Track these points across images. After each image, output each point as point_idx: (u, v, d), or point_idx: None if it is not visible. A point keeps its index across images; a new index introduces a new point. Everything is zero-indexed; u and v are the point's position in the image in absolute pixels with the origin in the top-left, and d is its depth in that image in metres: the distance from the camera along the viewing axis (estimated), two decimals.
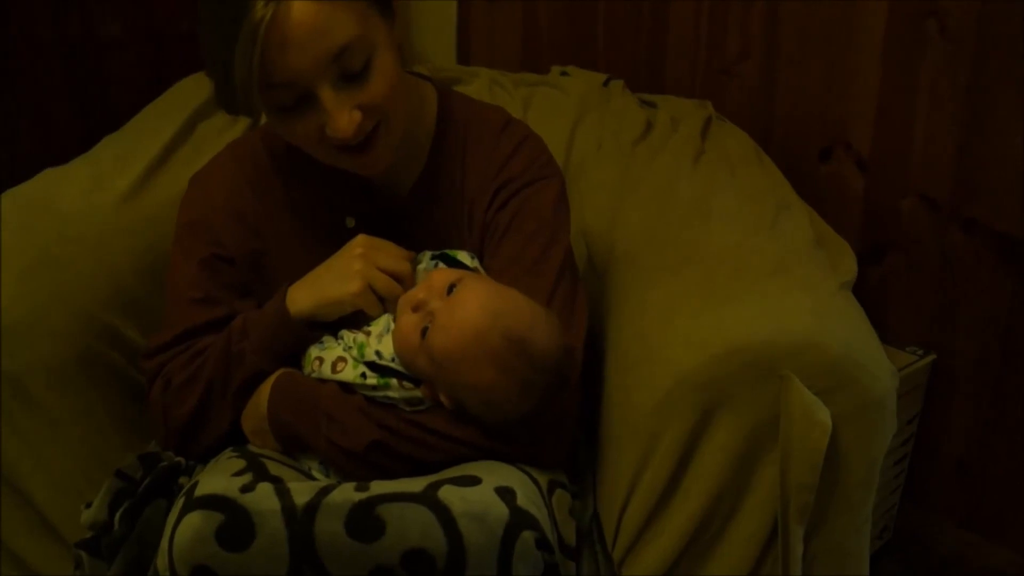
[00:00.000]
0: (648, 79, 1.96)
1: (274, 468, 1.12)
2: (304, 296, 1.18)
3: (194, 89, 1.78)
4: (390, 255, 1.17)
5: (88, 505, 1.20)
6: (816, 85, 1.73)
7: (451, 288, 1.11)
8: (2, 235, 1.30)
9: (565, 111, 1.78)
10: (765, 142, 1.70)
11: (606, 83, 1.85)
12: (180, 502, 1.03)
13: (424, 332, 1.10)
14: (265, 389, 1.18)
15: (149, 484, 1.18)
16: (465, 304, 1.09)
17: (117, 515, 1.17)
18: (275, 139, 1.27)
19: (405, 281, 1.17)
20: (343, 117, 1.09)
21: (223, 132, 1.68)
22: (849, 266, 1.31)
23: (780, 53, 1.76)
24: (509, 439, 1.12)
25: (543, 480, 1.11)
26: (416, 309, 1.12)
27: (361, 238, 1.18)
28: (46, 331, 1.23)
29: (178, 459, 1.22)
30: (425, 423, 1.12)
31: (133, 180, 1.48)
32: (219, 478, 1.06)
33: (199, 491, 1.03)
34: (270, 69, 1.04)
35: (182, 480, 1.21)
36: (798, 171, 1.63)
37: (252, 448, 1.19)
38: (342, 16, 1.06)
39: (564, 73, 1.89)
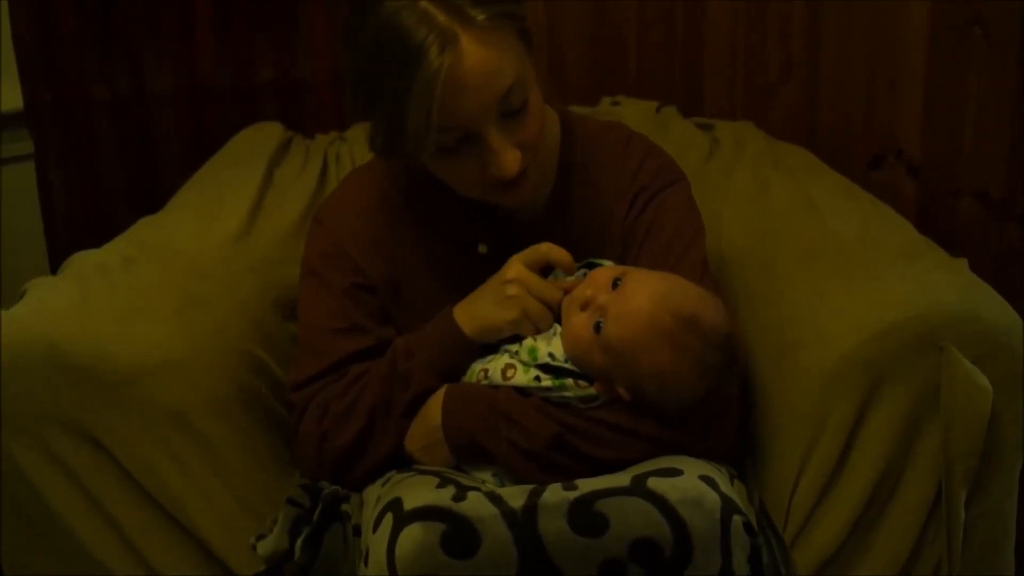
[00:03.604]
0: (685, 106, 2.03)
1: (463, 480, 1.14)
2: (466, 319, 1.21)
3: (257, 138, 1.82)
4: (541, 282, 1.19)
5: (259, 537, 1.20)
6: (861, 96, 1.82)
7: (615, 283, 1.16)
8: (143, 277, 1.30)
9: None
10: None
11: (658, 110, 1.92)
12: (387, 519, 1.05)
13: (597, 327, 1.13)
14: (433, 404, 1.20)
15: (323, 511, 1.19)
16: (635, 292, 1.13)
17: (298, 543, 1.17)
18: (399, 167, 1.30)
19: (555, 303, 1.20)
20: (508, 156, 1.13)
21: (298, 176, 1.71)
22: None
23: (822, 68, 1.86)
24: (684, 429, 1.15)
25: (724, 471, 1.15)
26: (584, 307, 1.16)
27: (514, 261, 1.21)
28: (206, 366, 1.24)
29: (334, 487, 1.22)
30: (603, 418, 1.15)
31: (239, 223, 1.50)
32: (423, 491, 1.08)
33: (409, 505, 1.05)
34: (442, 114, 1.08)
35: (344, 507, 1.21)
36: None
37: (419, 468, 1.20)
38: (507, 57, 1.11)
39: (615, 103, 1.96)
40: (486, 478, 1.19)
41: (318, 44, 2.05)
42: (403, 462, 1.22)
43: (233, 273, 1.39)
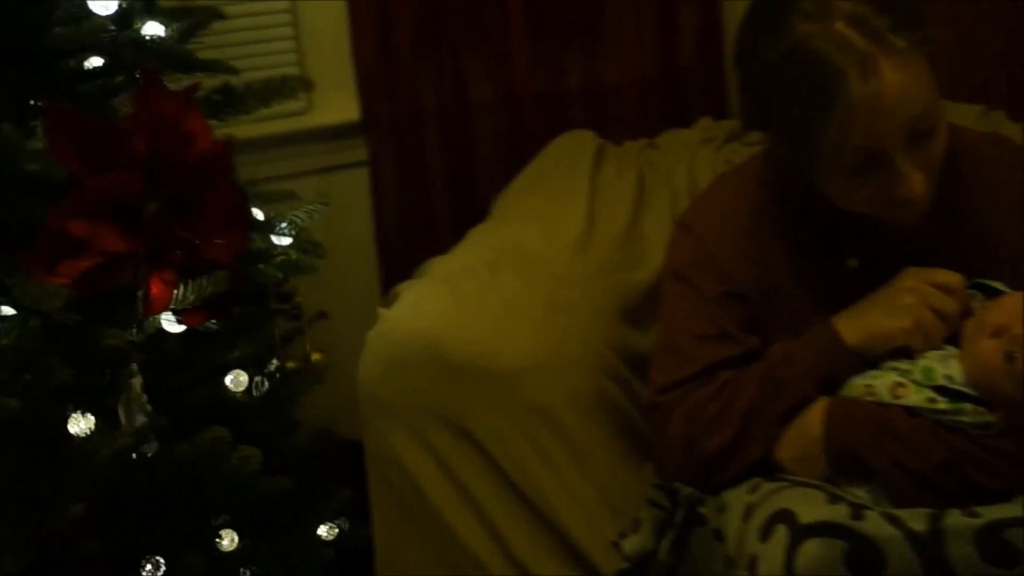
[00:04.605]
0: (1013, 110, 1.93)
1: (850, 496, 1.13)
2: (852, 328, 1.19)
3: (573, 146, 1.87)
4: (938, 293, 1.17)
5: (622, 535, 1.25)
6: None
7: None
8: (508, 282, 1.38)
9: None
10: None
11: (985, 114, 1.84)
12: (780, 530, 1.06)
13: (1010, 357, 1.10)
14: (812, 415, 1.19)
15: (686, 514, 1.22)
16: None
17: (664, 544, 1.20)
18: (771, 177, 1.30)
19: (950, 319, 1.17)
20: (914, 180, 1.11)
21: (616, 184, 1.75)
22: None
23: None
24: None
25: None
26: (997, 334, 1.13)
27: (911, 272, 1.19)
28: (572, 368, 1.31)
29: (691, 490, 1.25)
30: (1001, 448, 1.11)
31: (579, 230, 1.55)
32: (816, 506, 1.08)
33: (806, 519, 1.06)
34: (856, 137, 1.08)
35: (701, 510, 1.23)
36: None
37: (789, 477, 1.21)
38: (922, 82, 1.09)
39: None
40: (860, 494, 1.17)
41: (623, 51, 2.10)
42: (765, 469, 1.23)
43: (584, 278, 1.45)
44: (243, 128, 1.86)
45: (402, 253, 2.01)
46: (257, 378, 1.30)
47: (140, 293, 1.01)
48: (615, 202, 1.68)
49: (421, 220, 2.03)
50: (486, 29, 2.00)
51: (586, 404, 1.31)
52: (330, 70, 1.97)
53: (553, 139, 1.92)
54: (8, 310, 1.00)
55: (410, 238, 2.02)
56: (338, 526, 1.41)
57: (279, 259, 1.23)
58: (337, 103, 1.99)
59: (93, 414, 1.08)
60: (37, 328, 0.94)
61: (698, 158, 1.80)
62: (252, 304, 1.24)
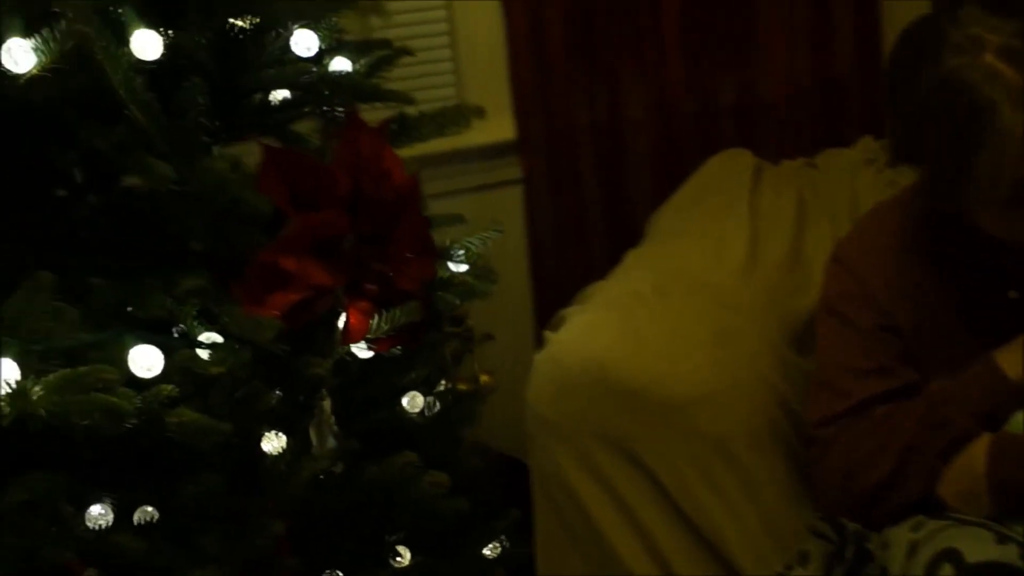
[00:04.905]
0: None
1: (1018, 536, 1.11)
2: (1014, 361, 1.18)
3: (730, 166, 1.87)
4: None
5: (788, 566, 1.24)
6: None
7: None
8: (677, 307, 1.39)
9: None
10: None
11: None
12: (946, 568, 1.05)
13: None
14: (976, 452, 1.18)
15: (856, 550, 1.21)
16: None
17: None
18: (924, 209, 1.28)
19: None
20: None
21: (777, 205, 1.74)
22: None
23: None
24: None
25: None
26: None
27: None
28: (743, 397, 1.31)
29: (856, 525, 1.24)
30: None
31: (743, 254, 1.56)
32: (983, 545, 1.07)
33: (973, 558, 1.04)
34: (1010, 168, 1.06)
35: (868, 546, 1.23)
36: None
37: (956, 515, 1.19)
38: None
39: None
40: None
41: (777, 64, 2.08)
42: (928, 506, 1.21)
43: (751, 304, 1.45)
44: (400, 148, 1.93)
45: (556, 269, 2.05)
46: (429, 399, 1.34)
47: (341, 324, 1.07)
48: (776, 225, 1.68)
49: (574, 236, 2.06)
50: (640, 46, 2.02)
51: (757, 433, 1.31)
52: (486, 90, 2.02)
53: (707, 157, 1.93)
54: (215, 337, 1.06)
55: (563, 254, 2.05)
56: (500, 544, 1.44)
57: (457, 287, 1.26)
58: (492, 123, 2.03)
59: (285, 434, 1.13)
60: (248, 358, 1.00)
61: (859, 180, 1.78)
62: (431, 329, 1.27)
